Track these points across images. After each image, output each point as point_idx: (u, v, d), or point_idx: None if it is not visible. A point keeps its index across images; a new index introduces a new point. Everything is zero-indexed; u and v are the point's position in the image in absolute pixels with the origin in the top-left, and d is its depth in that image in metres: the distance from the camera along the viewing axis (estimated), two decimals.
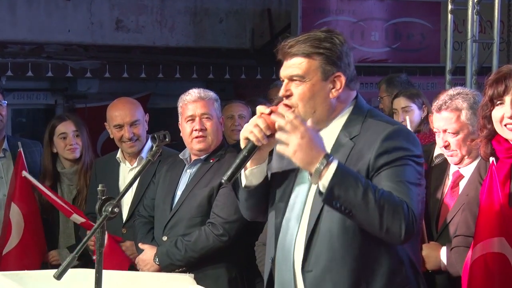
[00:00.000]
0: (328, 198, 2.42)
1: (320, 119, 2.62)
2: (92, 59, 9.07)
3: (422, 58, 9.79)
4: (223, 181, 2.53)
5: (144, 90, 9.59)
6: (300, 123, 2.45)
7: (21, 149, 4.53)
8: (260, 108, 2.58)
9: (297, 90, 2.60)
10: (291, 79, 2.61)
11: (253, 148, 2.55)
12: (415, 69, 9.86)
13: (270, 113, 2.54)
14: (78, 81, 9.36)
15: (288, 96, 2.62)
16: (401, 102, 4.90)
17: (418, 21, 9.87)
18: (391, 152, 2.52)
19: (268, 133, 2.54)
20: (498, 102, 2.90)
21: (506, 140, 2.91)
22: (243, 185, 2.70)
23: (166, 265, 3.76)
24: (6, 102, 4.68)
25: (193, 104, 3.85)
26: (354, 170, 2.50)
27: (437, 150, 3.67)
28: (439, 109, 3.41)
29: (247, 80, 9.81)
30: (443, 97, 3.44)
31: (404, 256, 2.62)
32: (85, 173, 4.59)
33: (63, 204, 4.36)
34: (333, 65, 2.60)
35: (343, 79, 2.62)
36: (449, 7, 7.14)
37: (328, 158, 2.43)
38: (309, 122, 2.54)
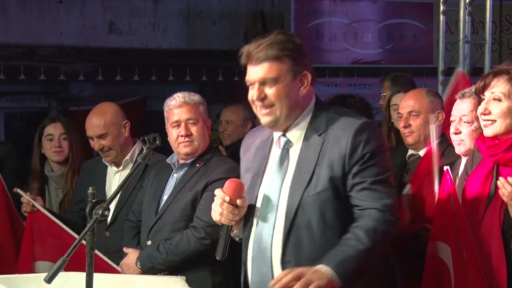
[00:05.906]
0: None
1: (295, 116, 2.81)
2: (85, 62, 9.06)
3: (415, 59, 9.78)
4: (218, 258, 2.82)
5: (137, 92, 9.57)
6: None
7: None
8: (219, 194, 2.76)
9: (272, 91, 2.77)
10: (263, 82, 2.78)
11: (228, 227, 2.81)
12: (408, 70, 9.79)
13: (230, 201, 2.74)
14: (71, 84, 9.35)
15: (263, 99, 2.78)
16: (401, 98, 4.86)
17: (411, 22, 9.87)
18: (364, 146, 2.70)
19: (236, 212, 2.76)
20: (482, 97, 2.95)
21: (489, 138, 2.91)
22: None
23: (147, 269, 3.73)
24: None
25: (178, 109, 3.83)
26: (327, 162, 2.70)
27: None
28: (463, 96, 3.43)
29: (241, 82, 9.77)
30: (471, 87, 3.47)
31: None
32: (72, 177, 4.56)
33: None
34: (299, 65, 2.79)
35: (309, 76, 2.81)
36: (441, 8, 7.15)
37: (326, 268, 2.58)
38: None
